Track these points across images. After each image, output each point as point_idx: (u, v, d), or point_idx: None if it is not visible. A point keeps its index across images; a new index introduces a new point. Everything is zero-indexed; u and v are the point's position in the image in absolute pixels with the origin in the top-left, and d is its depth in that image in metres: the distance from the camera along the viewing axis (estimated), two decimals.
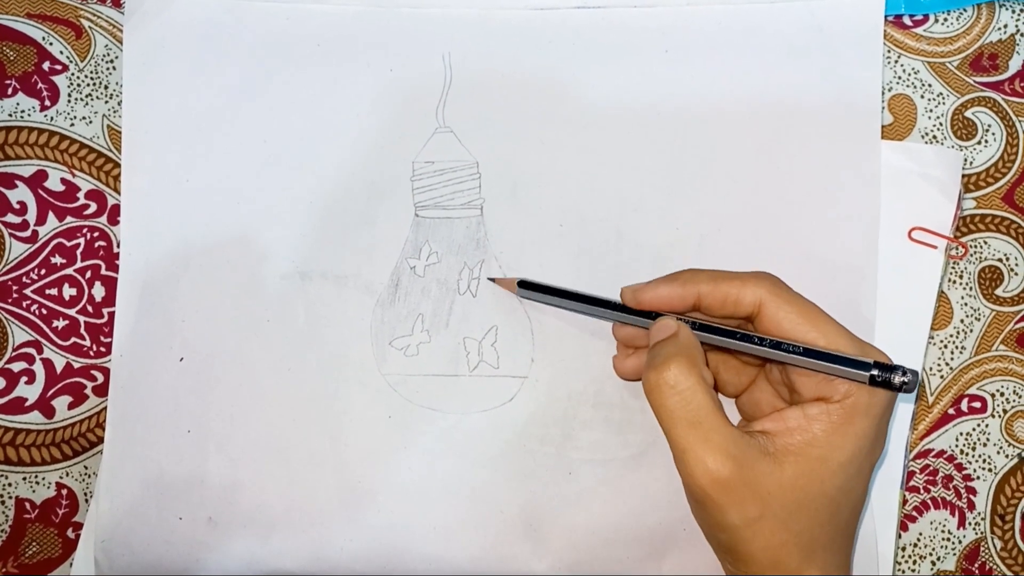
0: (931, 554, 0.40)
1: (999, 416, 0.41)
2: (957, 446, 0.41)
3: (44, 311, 0.41)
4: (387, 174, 0.40)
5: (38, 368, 0.40)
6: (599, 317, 0.38)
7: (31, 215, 0.41)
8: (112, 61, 0.41)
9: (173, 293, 0.40)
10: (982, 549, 0.41)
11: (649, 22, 0.41)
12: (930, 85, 0.41)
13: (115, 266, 0.41)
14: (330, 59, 0.41)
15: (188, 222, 0.40)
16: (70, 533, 0.40)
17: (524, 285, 0.38)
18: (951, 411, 0.41)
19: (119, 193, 0.41)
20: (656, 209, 0.40)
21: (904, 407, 0.40)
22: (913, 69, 0.41)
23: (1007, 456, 0.41)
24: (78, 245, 0.41)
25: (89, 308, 0.41)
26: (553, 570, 0.38)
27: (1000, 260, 0.41)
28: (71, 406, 0.40)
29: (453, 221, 0.40)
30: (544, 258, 0.40)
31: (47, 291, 0.41)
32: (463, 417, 0.39)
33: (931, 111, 0.41)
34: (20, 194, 0.41)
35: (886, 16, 0.41)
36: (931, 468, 0.41)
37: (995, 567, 0.40)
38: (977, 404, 0.41)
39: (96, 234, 0.41)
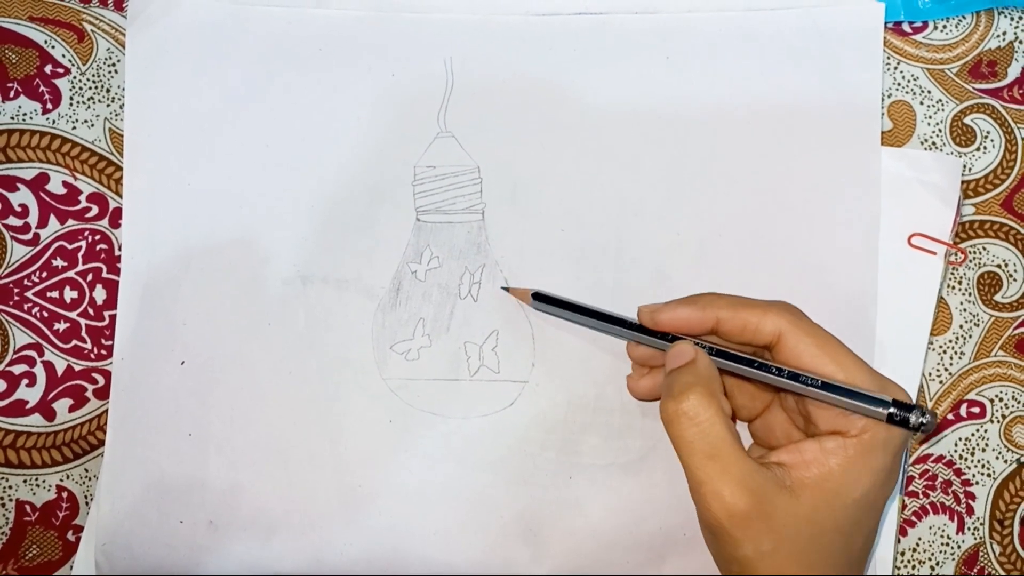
0: (930, 559, 0.40)
1: (998, 421, 0.41)
2: (956, 451, 0.41)
3: (45, 314, 0.41)
4: (388, 178, 0.40)
5: (39, 371, 0.40)
6: (614, 335, 0.37)
7: (33, 218, 0.41)
8: (114, 64, 0.42)
9: (174, 296, 0.40)
10: (981, 554, 0.41)
11: (650, 27, 0.41)
12: (929, 92, 0.42)
13: (116, 269, 0.41)
14: (332, 63, 0.41)
15: (189, 225, 0.40)
16: (70, 536, 0.40)
17: (539, 298, 0.38)
18: (950, 416, 0.41)
19: (120, 196, 0.41)
20: (656, 213, 0.40)
21: None
22: (912, 76, 0.42)
23: (1006, 461, 0.41)
24: (79, 248, 0.41)
25: (90, 311, 0.41)
26: (553, 574, 0.39)
27: (999, 266, 0.41)
28: (72, 409, 0.40)
29: (454, 225, 0.40)
30: (545, 262, 0.40)
31: (48, 294, 0.41)
32: (464, 421, 0.39)
33: (930, 118, 0.41)
34: (22, 197, 0.41)
35: (885, 23, 0.41)
36: (930, 473, 0.41)
37: (994, 572, 0.40)
38: (976, 409, 0.41)
39: (97, 237, 0.41)
